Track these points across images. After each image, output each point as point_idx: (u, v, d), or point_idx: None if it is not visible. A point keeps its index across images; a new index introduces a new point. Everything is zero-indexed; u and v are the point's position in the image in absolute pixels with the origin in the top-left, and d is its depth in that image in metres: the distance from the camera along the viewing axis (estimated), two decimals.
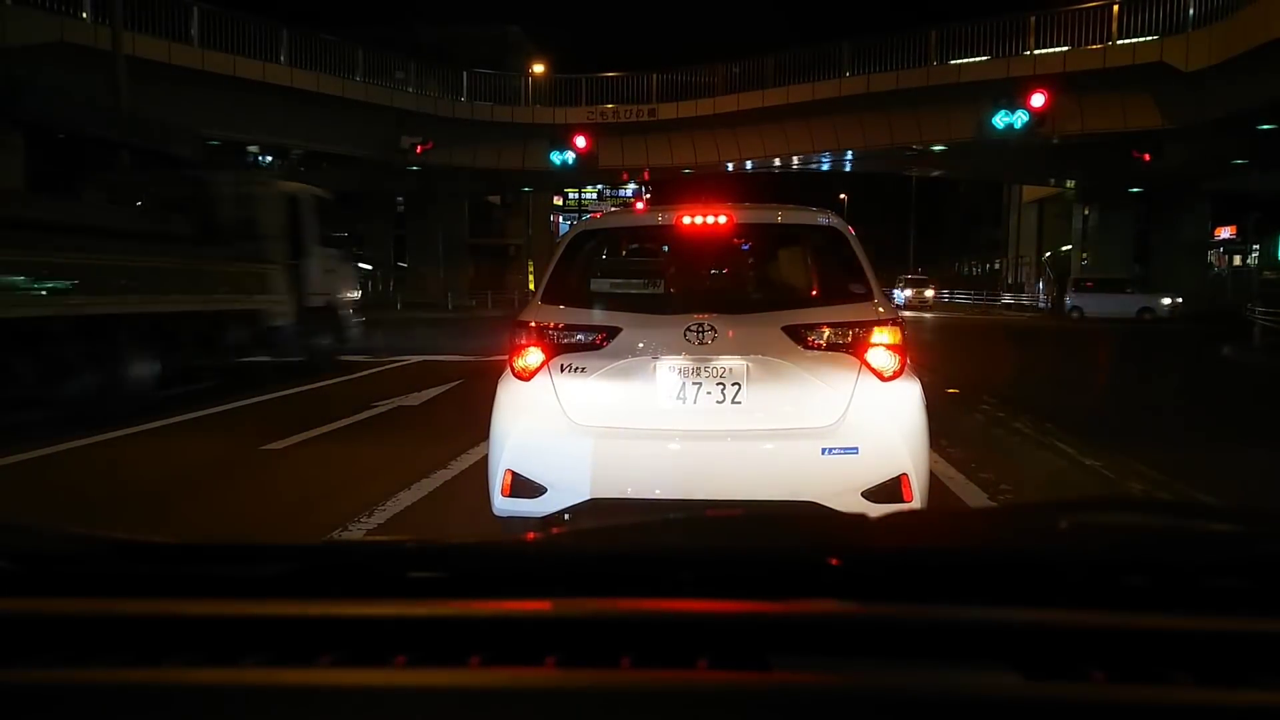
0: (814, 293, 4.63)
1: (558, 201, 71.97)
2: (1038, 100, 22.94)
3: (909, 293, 50.82)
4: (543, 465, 4.02)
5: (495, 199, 56.08)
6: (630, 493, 3.88)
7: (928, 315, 39.64)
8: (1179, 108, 27.66)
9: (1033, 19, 29.55)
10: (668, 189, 48.86)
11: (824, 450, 3.88)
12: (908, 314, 36.14)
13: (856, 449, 3.88)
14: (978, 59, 30.38)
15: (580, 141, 33.71)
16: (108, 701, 0.92)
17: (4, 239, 8.40)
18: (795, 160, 37.69)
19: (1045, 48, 29.39)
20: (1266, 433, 9.05)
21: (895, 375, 4.02)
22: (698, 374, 4.01)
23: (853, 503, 3.78)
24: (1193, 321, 30.50)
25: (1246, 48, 23.26)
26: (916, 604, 1.07)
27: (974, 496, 5.91)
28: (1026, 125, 22.59)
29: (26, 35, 22.17)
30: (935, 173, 48.92)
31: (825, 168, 42.13)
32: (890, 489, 3.87)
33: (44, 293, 8.80)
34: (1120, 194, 39.73)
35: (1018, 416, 9.20)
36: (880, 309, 4.13)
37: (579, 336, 4.13)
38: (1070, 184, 45.65)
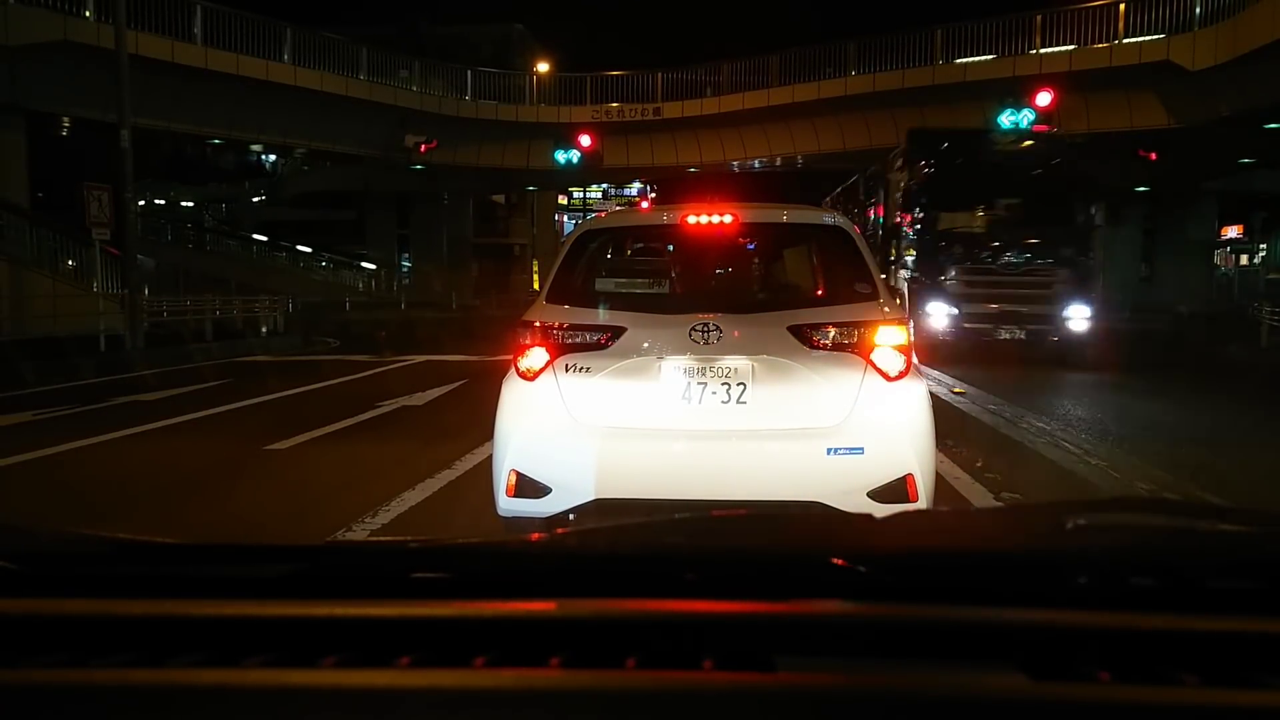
0: (819, 292, 4.62)
1: (562, 201, 71.90)
2: (1044, 99, 22.94)
3: None
4: (547, 465, 4.02)
5: (500, 198, 56.10)
6: (635, 493, 3.87)
7: None
8: (1185, 107, 27.58)
9: (1039, 18, 29.48)
10: (672, 188, 48.79)
11: (829, 450, 3.87)
12: None
13: (862, 449, 3.87)
14: (983, 58, 30.31)
15: (585, 140, 33.72)
16: (110, 702, 0.92)
17: None
18: (800, 159, 37.62)
19: (1051, 46, 29.34)
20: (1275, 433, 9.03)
21: (901, 375, 4.01)
22: (703, 374, 4.01)
23: (858, 503, 3.77)
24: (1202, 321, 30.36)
25: (1252, 47, 23.18)
26: (922, 605, 1.07)
27: (980, 497, 5.90)
28: (1033, 124, 22.55)
29: (29, 34, 22.23)
30: None
31: (831, 167, 42.07)
32: (896, 489, 3.86)
33: None
34: (1126, 193, 39.63)
35: (1024, 416, 9.19)
36: (885, 308, 4.12)
37: (584, 336, 4.12)
38: None
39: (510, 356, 4.30)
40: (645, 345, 4.07)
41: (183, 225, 49.65)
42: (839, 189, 28.67)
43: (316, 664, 0.98)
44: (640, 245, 6.33)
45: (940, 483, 4.75)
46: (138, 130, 18.12)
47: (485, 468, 4.74)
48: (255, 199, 59.55)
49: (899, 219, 17.48)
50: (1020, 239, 15.72)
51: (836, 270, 4.48)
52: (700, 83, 35.90)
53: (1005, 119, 22.70)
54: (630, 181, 67.35)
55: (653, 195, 65.04)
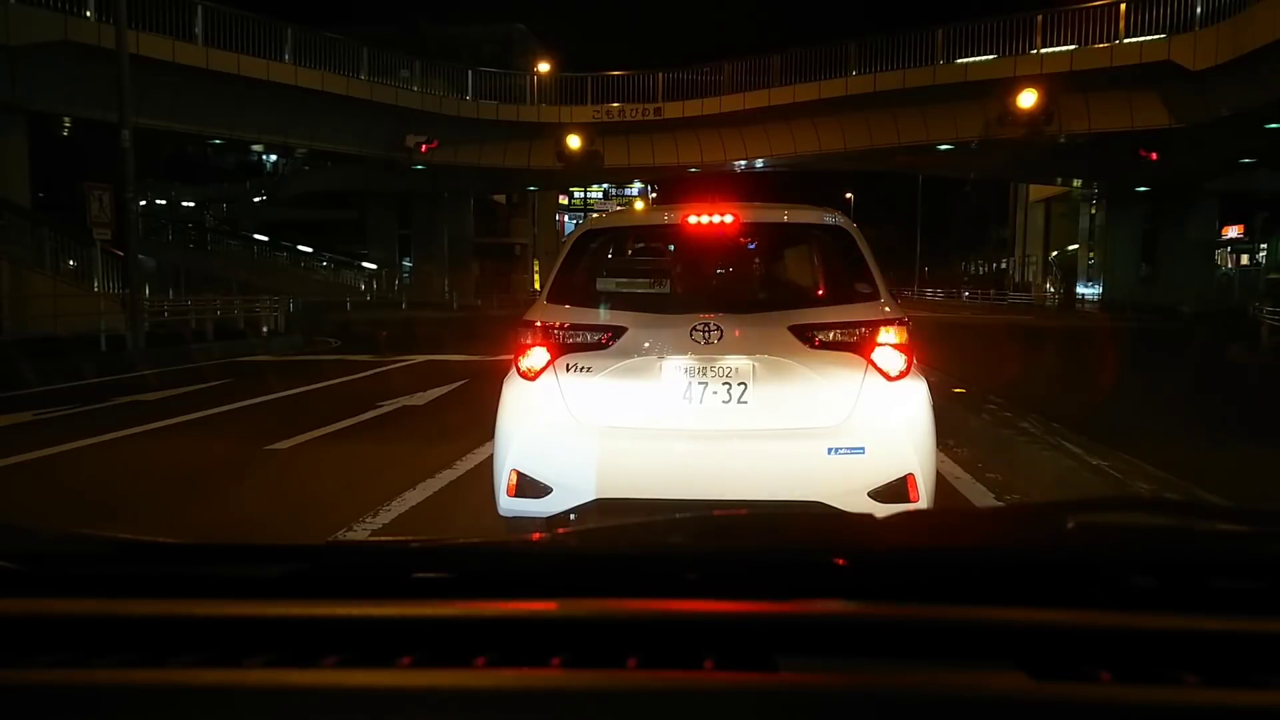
0: (820, 292, 4.61)
1: (563, 201, 72.05)
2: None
3: None
4: (548, 465, 4.01)
5: (501, 198, 56.13)
6: (636, 493, 3.87)
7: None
8: (1186, 107, 27.60)
9: (1040, 18, 29.52)
10: (674, 188, 48.82)
11: (830, 450, 3.87)
12: None
13: (863, 449, 3.87)
14: (984, 58, 30.35)
15: (586, 140, 33.81)
16: (111, 702, 0.92)
17: None
18: (801, 159, 37.65)
19: (1052, 46, 29.37)
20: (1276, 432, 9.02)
21: (902, 375, 4.00)
22: (704, 373, 4.00)
23: (859, 503, 3.77)
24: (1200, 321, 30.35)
25: (1254, 46, 23.20)
26: (923, 604, 1.07)
27: (981, 496, 5.90)
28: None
29: (31, 34, 22.26)
30: (942, 172, 48.89)
31: (831, 167, 42.12)
32: (896, 489, 3.86)
33: None
34: (1127, 193, 39.68)
35: (1025, 416, 9.18)
36: (887, 308, 4.12)
37: (584, 336, 4.11)
38: (1077, 183, 45.61)
39: (511, 356, 4.30)
40: (646, 345, 4.07)
41: (184, 225, 49.71)
42: None
43: (317, 664, 0.98)
44: (641, 245, 6.34)
45: (941, 483, 4.74)
46: (139, 130, 18.13)
47: (486, 467, 4.73)
48: (256, 199, 59.56)
49: None
50: None
51: (837, 270, 4.47)
52: (701, 83, 35.92)
53: None
54: (631, 181, 67.45)
55: (653, 195, 65.07)
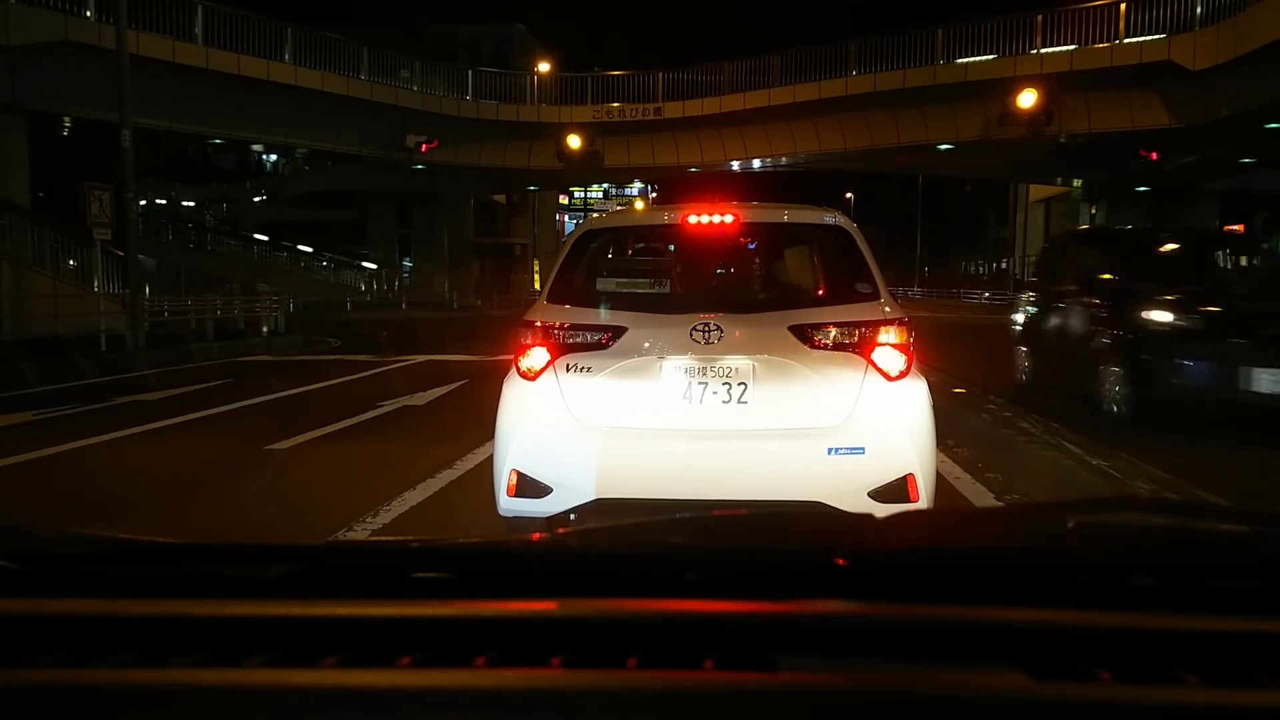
0: (820, 292, 4.62)
1: (564, 201, 72.05)
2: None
3: None
4: (548, 465, 4.01)
5: (501, 198, 56.12)
6: (636, 493, 3.87)
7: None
8: (1186, 107, 27.59)
9: (1040, 18, 29.52)
10: (674, 188, 48.79)
11: (830, 450, 3.87)
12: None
13: (863, 449, 3.87)
14: (984, 58, 30.34)
15: (586, 140, 33.82)
16: (112, 702, 0.92)
17: None
18: (801, 159, 37.65)
19: (1052, 46, 29.38)
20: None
21: (902, 375, 4.01)
22: (704, 374, 4.00)
23: (859, 503, 3.77)
24: None
25: (1253, 47, 23.19)
26: (923, 604, 1.07)
27: (981, 496, 5.90)
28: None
29: (31, 34, 22.27)
30: (942, 172, 48.88)
31: (831, 167, 42.12)
32: (896, 489, 3.86)
33: None
34: (1127, 193, 39.64)
35: (1025, 416, 9.17)
36: (886, 308, 4.12)
37: (585, 336, 4.11)
38: (1077, 183, 45.58)
39: (511, 356, 4.30)
40: (646, 345, 4.07)
41: (184, 225, 49.71)
42: None
43: (318, 664, 0.98)
44: (641, 245, 6.34)
45: (941, 483, 4.74)
46: (139, 130, 18.12)
47: (486, 468, 4.73)
48: (256, 199, 59.61)
49: None
50: None
51: (837, 270, 4.47)
52: (701, 83, 35.89)
53: None
54: (631, 181, 67.47)
55: (653, 195, 65.11)
